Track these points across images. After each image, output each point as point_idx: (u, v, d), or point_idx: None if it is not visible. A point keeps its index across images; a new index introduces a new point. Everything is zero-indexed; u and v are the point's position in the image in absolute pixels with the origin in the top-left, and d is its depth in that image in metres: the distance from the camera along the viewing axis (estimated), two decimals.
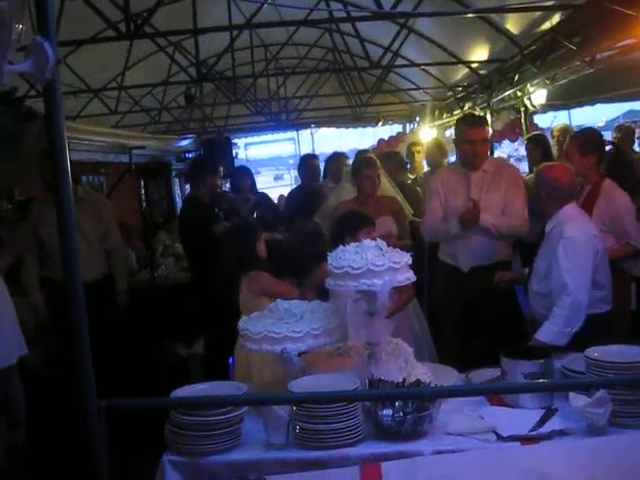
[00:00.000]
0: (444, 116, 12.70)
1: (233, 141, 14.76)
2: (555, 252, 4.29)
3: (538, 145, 7.80)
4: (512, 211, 5.45)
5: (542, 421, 3.28)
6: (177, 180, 13.67)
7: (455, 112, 11.78)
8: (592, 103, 9.82)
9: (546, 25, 7.14)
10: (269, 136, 18.33)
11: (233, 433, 3.26)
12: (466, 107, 10.90)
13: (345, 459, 3.10)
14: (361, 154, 7.41)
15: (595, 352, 3.41)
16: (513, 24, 7.77)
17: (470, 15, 7.44)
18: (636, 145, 8.78)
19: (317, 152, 15.22)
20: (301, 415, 3.22)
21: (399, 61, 10.12)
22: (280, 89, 12.55)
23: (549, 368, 3.56)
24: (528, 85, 8.62)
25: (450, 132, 12.63)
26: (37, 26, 2.25)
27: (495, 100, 9.61)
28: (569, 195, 4.49)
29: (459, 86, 11.08)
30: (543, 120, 10.80)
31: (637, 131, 8.86)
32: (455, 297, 5.54)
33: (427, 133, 12.59)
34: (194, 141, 13.94)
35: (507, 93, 9.12)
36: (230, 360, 4.16)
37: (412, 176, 9.14)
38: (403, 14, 7.87)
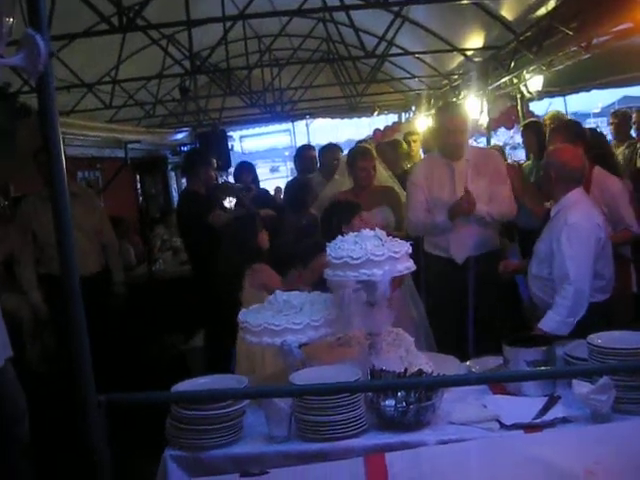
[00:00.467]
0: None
1: (228, 134, 14.74)
2: (558, 238, 4.28)
3: (534, 132, 7.77)
4: (500, 197, 5.46)
5: (545, 409, 3.26)
6: (173, 174, 13.66)
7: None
8: (587, 89, 9.77)
9: (542, 11, 7.09)
10: (264, 128, 18.30)
11: (234, 427, 3.24)
12: (462, 95, 10.85)
13: (348, 451, 3.08)
14: (357, 145, 7.39)
15: (598, 339, 3.39)
16: (508, 10, 7.73)
17: (465, 2, 7.39)
18: (632, 131, 8.74)
19: (313, 143, 15.16)
20: (303, 407, 3.20)
21: (394, 50, 10.06)
22: (274, 80, 12.49)
23: (552, 355, 3.54)
24: (524, 72, 8.57)
25: None
26: (29, 19, 2.23)
27: (491, 88, 9.56)
28: (577, 179, 4.46)
29: (454, 74, 11.04)
30: (539, 107, 10.77)
31: (633, 116, 8.80)
32: (452, 288, 5.50)
33: (423, 122, 12.56)
34: (189, 134, 13.92)
35: (503, 80, 9.07)
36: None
37: (409, 164, 9.12)
38: (397, 2, 7.84)
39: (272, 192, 9.69)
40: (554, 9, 6.80)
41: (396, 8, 8.46)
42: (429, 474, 2.51)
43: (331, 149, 8.14)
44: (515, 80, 9.12)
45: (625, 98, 20.13)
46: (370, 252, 3.50)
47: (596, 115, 25.63)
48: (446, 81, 11.61)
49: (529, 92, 9.26)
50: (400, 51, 10.39)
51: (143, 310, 7.66)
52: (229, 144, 14.23)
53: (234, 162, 13.44)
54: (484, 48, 9.06)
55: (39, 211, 6.32)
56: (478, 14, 8.08)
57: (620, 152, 8.44)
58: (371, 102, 14.57)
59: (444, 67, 11.20)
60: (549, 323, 4.16)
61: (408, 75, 12.44)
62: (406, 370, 3.45)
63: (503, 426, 3.17)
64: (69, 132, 7.77)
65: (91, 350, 2.39)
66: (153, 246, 9.84)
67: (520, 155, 11.43)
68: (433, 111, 11.08)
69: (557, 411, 3.23)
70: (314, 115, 16.18)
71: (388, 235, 3.75)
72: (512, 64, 8.41)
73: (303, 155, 8.75)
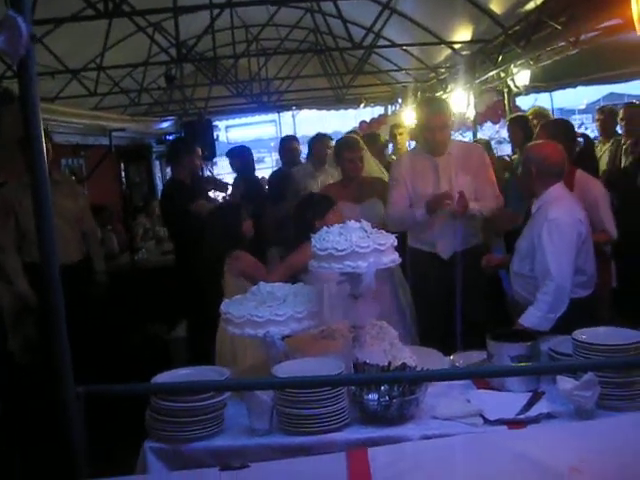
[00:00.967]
0: None
1: (214, 123, 14.67)
2: (539, 234, 4.25)
3: (520, 126, 7.75)
4: (486, 192, 5.44)
5: (529, 404, 3.26)
6: (158, 163, 13.59)
7: (437, 94, 11.73)
8: (573, 85, 9.79)
9: (530, 5, 7.06)
10: (250, 118, 18.22)
11: (215, 419, 3.20)
12: (449, 88, 10.84)
13: (331, 444, 3.06)
14: (344, 136, 7.34)
15: (582, 335, 3.38)
16: (497, 4, 7.71)
17: None
18: (618, 127, 8.73)
19: (298, 134, 15.13)
20: (285, 400, 3.17)
21: (381, 42, 10.03)
22: (261, 71, 12.44)
23: (536, 351, 3.54)
24: (511, 66, 8.55)
25: None
26: (10, 1, 2.18)
27: (478, 81, 9.54)
28: (558, 174, 4.43)
29: (441, 67, 11.02)
30: (525, 102, 10.78)
31: (620, 113, 8.80)
32: (438, 284, 5.47)
33: (409, 115, 12.55)
34: (175, 123, 13.83)
35: (490, 74, 9.05)
36: None
37: (395, 157, 9.10)
38: None
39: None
40: (543, 3, 6.78)
41: (384, 0, 8.42)
42: (412, 469, 2.48)
43: (321, 139, 8.10)
44: (502, 74, 9.11)
45: (611, 95, 20.25)
46: (355, 244, 3.47)
47: (581, 112, 25.77)
48: (433, 74, 11.60)
49: (516, 87, 9.25)
50: (387, 43, 10.36)
51: (125, 299, 7.60)
52: (214, 134, 14.15)
53: (219, 152, 13.40)
54: (472, 41, 9.04)
55: (21, 198, 6.25)
56: (466, 7, 8.06)
57: (606, 149, 8.44)
58: (358, 94, 14.55)
59: (431, 60, 11.18)
60: (530, 318, 4.15)
61: (395, 67, 12.41)
62: (390, 364, 3.44)
63: (487, 421, 3.16)
64: (53, 119, 7.68)
65: (72, 340, 2.35)
66: (136, 235, 9.78)
67: (506, 149, 11.44)
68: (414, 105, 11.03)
69: (541, 407, 3.22)
70: (300, 106, 16.14)
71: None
72: (500, 58, 8.39)
73: (285, 147, 8.69)
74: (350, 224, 3.67)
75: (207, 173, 11.45)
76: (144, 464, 3.16)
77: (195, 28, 9.79)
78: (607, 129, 8.63)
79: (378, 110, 15.83)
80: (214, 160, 13.99)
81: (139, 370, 3.78)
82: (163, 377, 3.37)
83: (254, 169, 8.56)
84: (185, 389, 3.11)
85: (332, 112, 16.66)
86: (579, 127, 12.83)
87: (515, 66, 8.52)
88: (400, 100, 14.41)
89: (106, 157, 9.90)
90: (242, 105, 14.35)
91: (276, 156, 15.59)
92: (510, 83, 9.29)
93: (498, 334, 3.62)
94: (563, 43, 6.96)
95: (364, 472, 2.44)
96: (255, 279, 4.19)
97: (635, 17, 4.61)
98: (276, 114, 18.20)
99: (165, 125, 13.34)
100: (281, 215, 6.34)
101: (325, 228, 3.71)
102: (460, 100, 9.88)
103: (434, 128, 5.36)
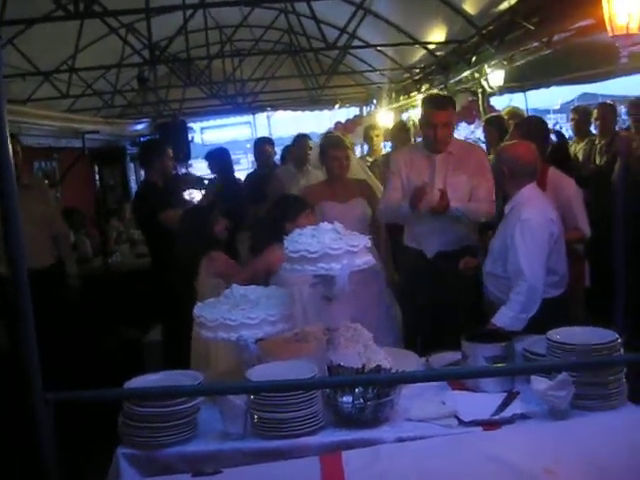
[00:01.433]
0: (401, 98, 12.65)
1: (189, 125, 14.59)
2: (512, 234, 4.25)
3: (495, 127, 7.74)
4: (479, 195, 5.29)
5: (504, 405, 3.26)
6: (132, 165, 13.49)
7: (412, 94, 11.74)
8: (547, 85, 9.81)
9: (504, 5, 7.09)
10: (225, 120, 18.18)
11: (189, 424, 3.17)
12: (423, 89, 10.85)
13: (305, 448, 3.04)
14: (328, 135, 7.28)
15: (557, 335, 3.39)
16: (470, 4, 7.72)
17: None
18: (592, 127, 8.77)
19: (274, 136, 15.13)
20: (259, 404, 3.14)
21: (356, 43, 10.03)
22: (236, 72, 12.39)
23: (510, 351, 3.53)
24: (485, 66, 8.57)
25: (407, 115, 12.63)
26: None
27: (452, 82, 9.55)
28: (530, 174, 4.43)
29: (416, 68, 11.03)
30: (500, 103, 10.80)
31: (594, 113, 8.84)
32: (420, 282, 5.44)
33: (384, 116, 12.55)
34: (149, 125, 13.76)
35: (464, 74, 9.07)
36: None
37: (370, 159, 9.08)
38: None
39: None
40: (516, 4, 6.81)
41: (358, 0, 8.42)
42: (387, 472, 2.46)
43: (301, 140, 8.06)
44: (476, 75, 9.12)
45: (584, 95, 20.37)
46: (327, 246, 3.44)
47: (556, 111, 25.90)
48: (408, 74, 11.60)
49: (490, 87, 9.26)
50: (362, 44, 10.36)
51: (99, 303, 7.54)
52: (189, 135, 14.07)
53: (194, 154, 13.32)
54: (446, 42, 9.06)
55: None
56: (440, 7, 8.07)
57: (580, 148, 8.47)
58: (332, 95, 14.56)
59: (406, 60, 11.19)
60: (502, 318, 4.14)
61: (370, 68, 12.42)
62: (364, 366, 3.42)
63: (461, 422, 3.15)
64: (24, 121, 7.60)
65: (43, 345, 2.31)
66: (109, 238, 9.69)
67: None
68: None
69: (516, 407, 3.22)
70: (275, 107, 16.11)
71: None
72: (474, 58, 8.42)
73: (258, 149, 8.67)
74: (323, 226, 3.64)
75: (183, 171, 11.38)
76: (117, 470, 3.12)
77: (168, 29, 9.74)
78: (581, 129, 8.65)
79: (353, 111, 15.84)
80: (189, 162, 13.91)
81: (113, 374, 3.73)
82: (135, 382, 3.32)
83: (233, 171, 8.52)
84: (158, 394, 3.06)
85: (307, 113, 16.65)
86: (554, 127, 12.86)
87: (489, 66, 8.54)
88: (375, 101, 14.43)
89: (79, 160, 9.82)
90: (217, 107, 14.32)
91: (252, 158, 15.55)
92: (484, 83, 9.30)
93: (473, 335, 3.61)
94: (536, 43, 6.99)
95: (338, 476, 2.42)
96: (231, 279, 4.15)
97: (606, 18, 4.64)
98: (251, 115, 18.18)
99: (139, 127, 13.27)
100: (262, 215, 6.30)
101: (297, 230, 3.68)
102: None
103: (436, 125, 5.26)
